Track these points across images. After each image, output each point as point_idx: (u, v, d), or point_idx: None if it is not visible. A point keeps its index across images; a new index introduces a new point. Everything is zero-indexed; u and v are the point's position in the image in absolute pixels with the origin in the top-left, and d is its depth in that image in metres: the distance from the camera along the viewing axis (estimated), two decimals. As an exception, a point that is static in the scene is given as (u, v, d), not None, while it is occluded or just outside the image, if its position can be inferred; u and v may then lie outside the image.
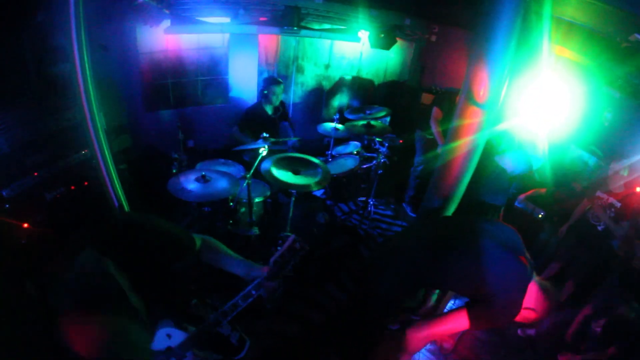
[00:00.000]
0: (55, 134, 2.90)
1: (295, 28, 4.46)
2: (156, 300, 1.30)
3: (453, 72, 5.22)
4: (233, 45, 4.66)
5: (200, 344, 1.38)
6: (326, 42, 5.35)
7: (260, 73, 4.97)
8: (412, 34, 5.58)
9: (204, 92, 4.78)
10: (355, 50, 5.51)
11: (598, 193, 2.96)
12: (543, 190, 3.45)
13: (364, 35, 5.00)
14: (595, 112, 3.70)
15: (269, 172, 2.80)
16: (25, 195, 2.58)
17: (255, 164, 2.76)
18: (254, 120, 3.67)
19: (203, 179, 2.73)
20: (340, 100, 5.90)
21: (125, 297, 1.03)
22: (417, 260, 1.83)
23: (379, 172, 3.84)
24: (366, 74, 5.91)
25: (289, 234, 2.99)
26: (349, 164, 3.86)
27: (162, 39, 4.09)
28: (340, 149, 4.26)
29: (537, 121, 2.72)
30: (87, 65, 2.13)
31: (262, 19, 4.54)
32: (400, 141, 4.27)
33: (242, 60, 4.81)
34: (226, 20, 4.34)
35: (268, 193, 3.21)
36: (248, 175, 2.76)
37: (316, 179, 2.91)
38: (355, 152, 4.02)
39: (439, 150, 3.66)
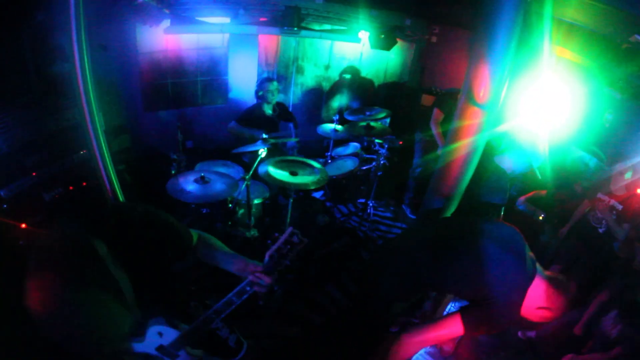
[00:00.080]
0: (55, 134, 2.90)
1: (295, 28, 4.46)
2: (156, 300, 1.29)
3: (453, 73, 5.17)
4: (233, 45, 4.65)
5: (193, 342, 1.35)
6: (326, 43, 5.33)
7: (260, 74, 4.96)
8: (412, 35, 5.57)
9: (204, 93, 4.77)
10: (355, 51, 5.50)
11: (599, 195, 2.95)
12: (543, 192, 3.44)
13: (364, 35, 4.99)
14: (596, 114, 3.68)
15: (266, 172, 2.78)
16: (24, 196, 2.57)
17: (255, 165, 2.75)
18: (253, 120, 3.66)
19: (202, 180, 2.72)
20: (340, 101, 5.89)
21: (103, 271, 1.04)
22: (417, 261, 1.81)
23: (379, 173, 3.84)
24: (366, 74, 5.90)
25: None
26: (348, 165, 3.84)
27: (162, 39, 4.09)
28: (340, 150, 4.25)
29: (538, 122, 2.71)
30: (86, 65, 2.11)
31: (262, 19, 4.53)
32: (400, 142, 4.24)
33: (242, 60, 4.80)
34: (226, 20, 4.34)
35: (267, 194, 3.20)
36: (247, 177, 2.75)
37: (313, 179, 2.88)
38: (354, 153, 4.01)
39: (439, 152, 3.65)
